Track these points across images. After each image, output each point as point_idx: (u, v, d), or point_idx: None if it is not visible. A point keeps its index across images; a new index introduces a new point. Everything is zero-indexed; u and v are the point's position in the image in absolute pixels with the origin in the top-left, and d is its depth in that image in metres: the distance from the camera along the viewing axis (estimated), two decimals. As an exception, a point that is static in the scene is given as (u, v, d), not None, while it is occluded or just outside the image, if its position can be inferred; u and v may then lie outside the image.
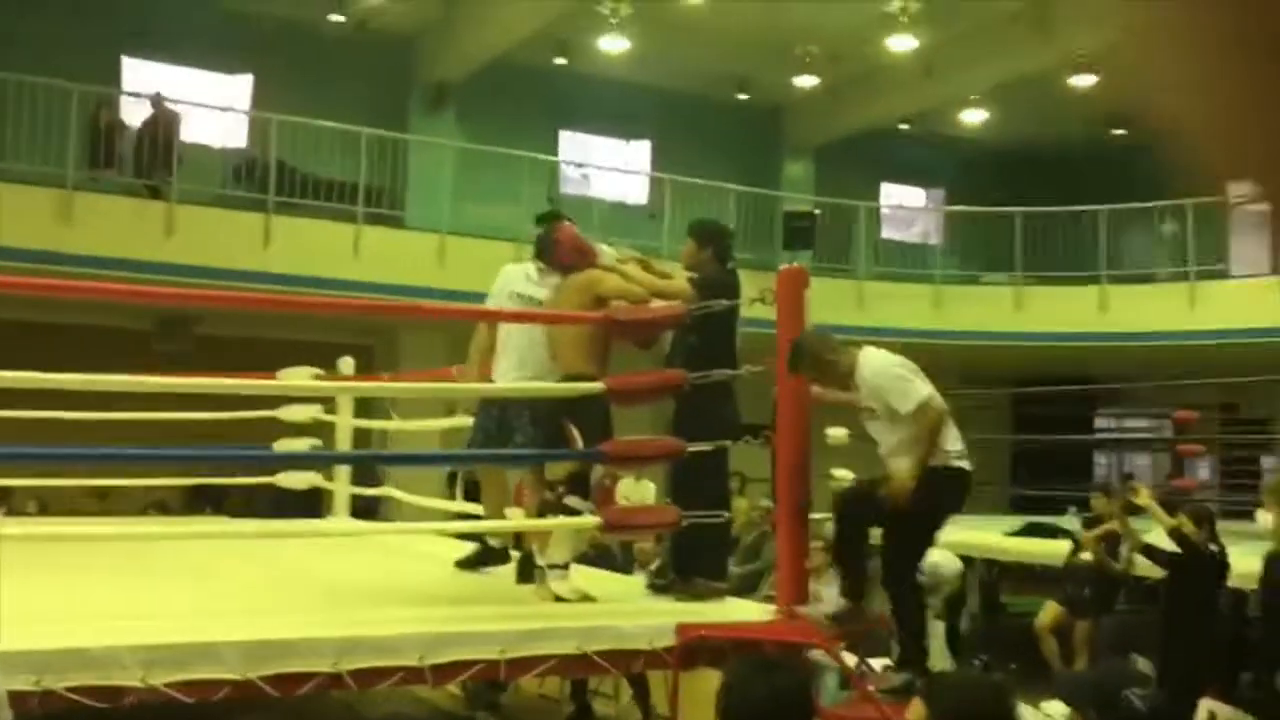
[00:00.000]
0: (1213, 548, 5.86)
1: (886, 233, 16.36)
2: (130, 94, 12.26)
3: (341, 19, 12.90)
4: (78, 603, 4.16)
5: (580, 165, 14.92)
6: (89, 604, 4.12)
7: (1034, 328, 13.39)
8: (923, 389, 4.33)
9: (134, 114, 11.76)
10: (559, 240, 4.93)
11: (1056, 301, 13.50)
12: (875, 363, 4.43)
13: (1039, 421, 12.46)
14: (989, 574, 9.59)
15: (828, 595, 5.07)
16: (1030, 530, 9.52)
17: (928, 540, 4.68)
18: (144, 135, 11.25)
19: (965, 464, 4.41)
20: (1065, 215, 13.60)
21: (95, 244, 9.85)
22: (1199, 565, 5.77)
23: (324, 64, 13.06)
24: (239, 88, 13.51)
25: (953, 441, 4.38)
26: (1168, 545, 5.97)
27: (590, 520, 4.61)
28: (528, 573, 4.92)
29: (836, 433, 8.75)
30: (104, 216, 10.36)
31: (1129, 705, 2.67)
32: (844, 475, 8.99)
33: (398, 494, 7.79)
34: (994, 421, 14.51)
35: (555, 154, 14.78)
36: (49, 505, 8.91)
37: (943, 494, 4.35)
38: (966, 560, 9.67)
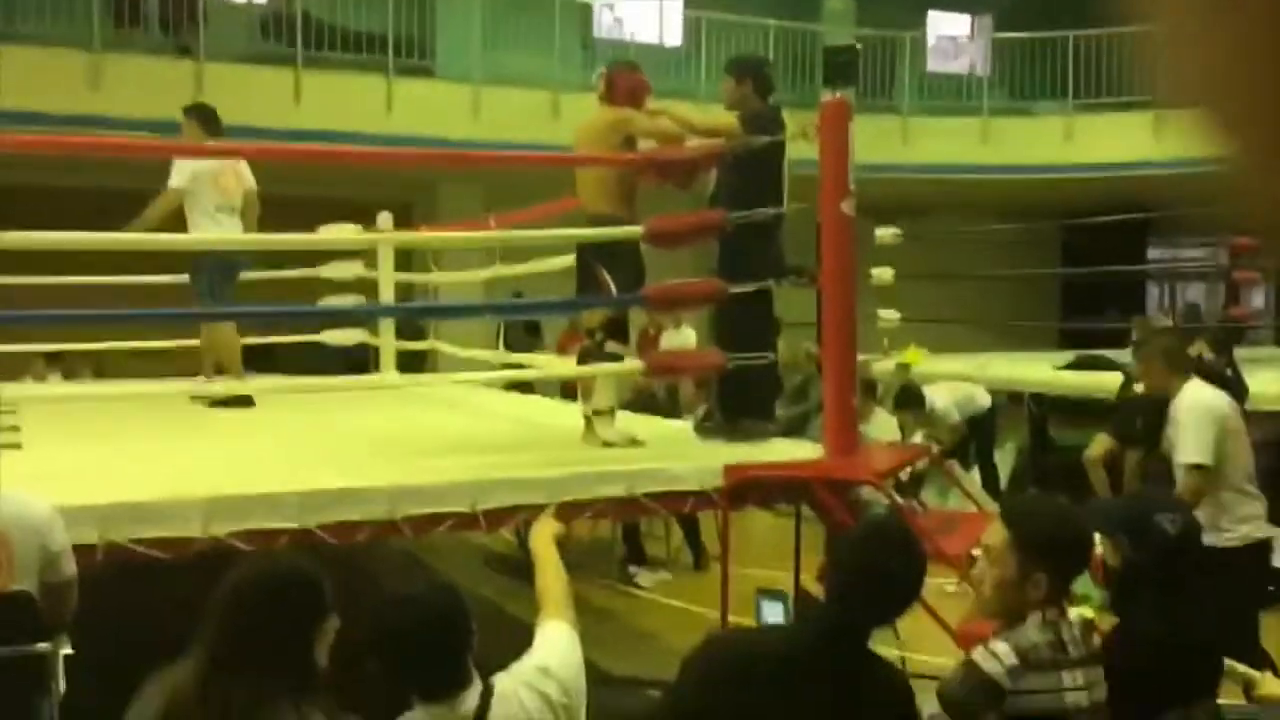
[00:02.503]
0: (1228, 373, 5.83)
1: (932, 65, 15.80)
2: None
3: None
4: (137, 459, 4.24)
5: (611, 8, 14.44)
6: (148, 459, 4.20)
7: (1084, 159, 13.00)
8: (1203, 452, 4.31)
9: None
10: (634, 73, 4.81)
11: (1108, 130, 13.05)
12: (1187, 400, 4.47)
13: (1088, 254, 12.21)
14: (1038, 409, 9.56)
15: None
16: (1079, 364, 9.44)
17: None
18: (167, -9, 11.01)
19: (1237, 540, 4.33)
20: (1121, 37, 13.03)
21: (125, 105, 9.74)
22: None
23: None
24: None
25: (1230, 520, 4.33)
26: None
27: (633, 364, 4.60)
28: None
29: (881, 273, 8.66)
30: (132, 77, 10.22)
31: (1160, 530, 2.66)
32: (890, 315, 8.95)
33: (443, 347, 7.84)
34: (1043, 257, 14.26)
35: (588, -6, 14.30)
36: (104, 369, 9.08)
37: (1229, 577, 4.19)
38: (1015, 396, 9.67)
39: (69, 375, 8.98)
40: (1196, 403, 4.48)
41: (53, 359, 8.92)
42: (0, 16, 10.07)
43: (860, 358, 5.43)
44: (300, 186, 10.98)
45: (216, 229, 5.84)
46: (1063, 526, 2.49)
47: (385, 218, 7.65)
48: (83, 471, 3.87)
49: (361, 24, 11.59)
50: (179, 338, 7.03)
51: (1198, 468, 4.35)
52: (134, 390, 6.05)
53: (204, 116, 6.05)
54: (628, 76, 4.78)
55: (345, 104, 10.93)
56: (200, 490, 3.42)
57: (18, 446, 4.31)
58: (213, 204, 5.86)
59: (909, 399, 7.92)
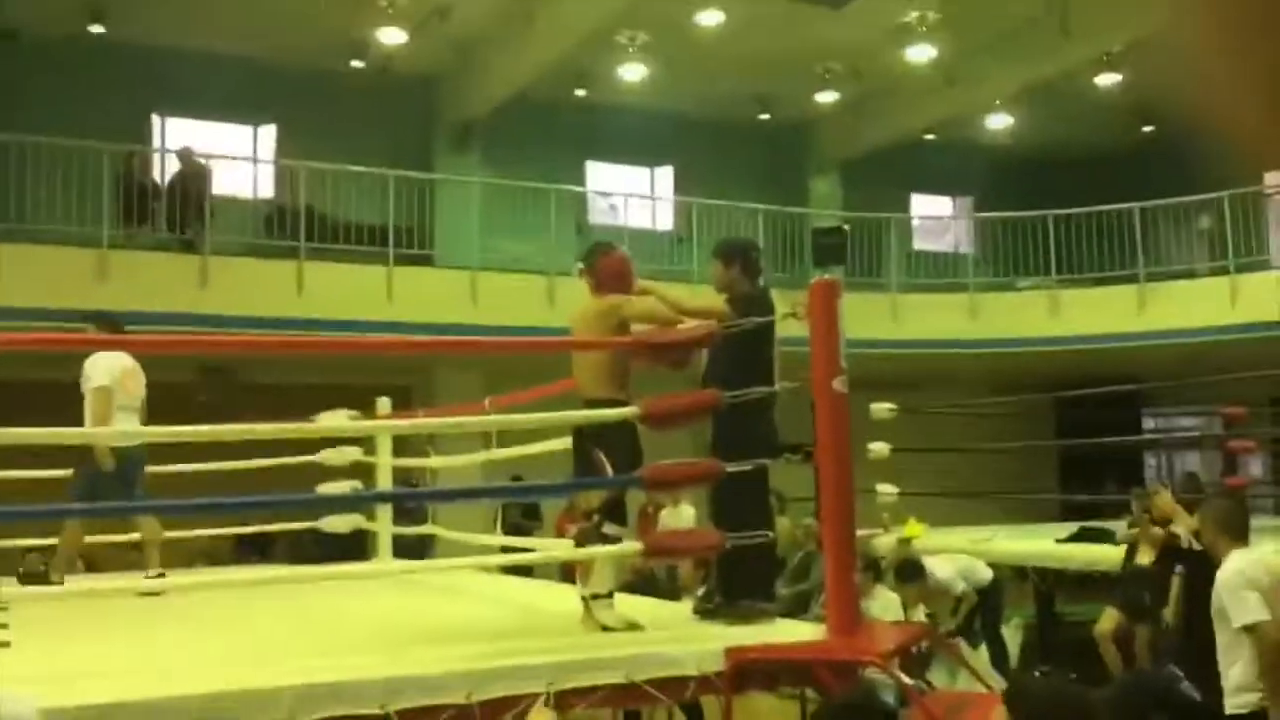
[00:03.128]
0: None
1: (918, 244, 16.27)
2: (159, 150, 12.47)
3: (361, 64, 13.04)
4: (128, 656, 4.16)
5: (606, 195, 14.96)
6: (140, 657, 4.11)
7: (1071, 331, 13.24)
8: (1253, 611, 4.29)
9: (165, 169, 11.94)
10: (612, 255, 4.92)
11: (1093, 303, 13.35)
12: (1231, 565, 4.47)
13: (1084, 425, 12.28)
14: (1043, 583, 9.43)
15: None
16: (1082, 536, 9.36)
17: None
18: (175, 190, 11.41)
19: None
20: (1098, 215, 13.46)
21: (131, 299, 9.96)
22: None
23: (347, 110, 13.21)
24: (265, 138, 13.69)
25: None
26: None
27: (631, 546, 4.56)
28: None
29: (878, 448, 8.69)
30: (139, 272, 10.50)
31: (1187, 698, 2.61)
32: (888, 490, 8.92)
33: (440, 531, 7.79)
34: (1036, 428, 14.33)
35: (583, 185, 14.83)
36: (96, 563, 8.97)
37: None
38: (1020, 571, 9.55)
39: (61, 570, 8.84)
40: (1236, 565, 4.46)
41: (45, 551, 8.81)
42: (12, 216, 10.39)
43: (860, 533, 5.40)
44: (301, 374, 11.15)
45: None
46: (1062, 708, 2.44)
47: (383, 403, 7.72)
48: (71, 671, 3.78)
49: (363, 216, 11.98)
50: (171, 529, 7.00)
51: (1253, 627, 4.28)
52: (122, 585, 5.97)
53: (108, 323, 6.27)
54: (606, 261, 4.88)
55: (347, 293, 11.19)
56: (189, 689, 3.34)
57: (6, 645, 4.23)
58: (118, 403, 6.02)
59: (910, 572, 7.83)
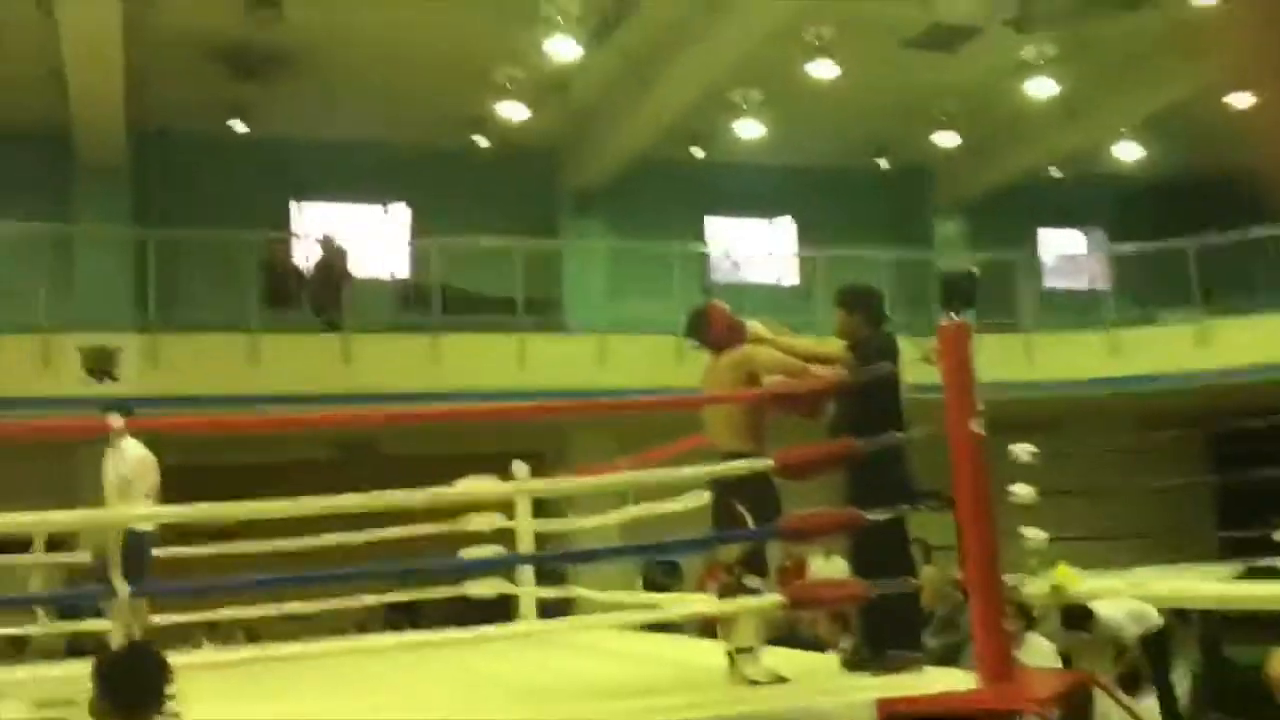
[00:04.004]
0: None
1: (1050, 281, 15.89)
2: (300, 235, 13.09)
3: (485, 141, 13.48)
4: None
5: (728, 255, 15.04)
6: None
7: (1221, 363, 12.68)
8: None
9: (305, 254, 12.54)
10: (711, 317, 4.95)
11: (1243, 331, 12.78)
12: None
13: (1242, 459, 11.70)
14: (1207, 626, 8.99)
15: None
16: (1250, 574, 8.91)
17: None
18: (317, 274, 11.94)
19: None
20: (1241, 241, 12.93)
21: (280, 381, 10.42)
22: None
23: (473, 184, 13.66)
24: (396, 216, 14.24)
25: None
26: None
27: (772, 599, 4.54)
28: None
29: (1023, 490, 8.44)
30: (286, 354, 10.97)
31: None
32: (1035, 535, 8.65)
33: (582, 592, 7.86)
34: (1188, 466, 13.73)
35: (703, 241, 14.96)
36: (257, 633, 9.30)
37: None
38: (1181, 614, 9.11)
39: (223, 642, 9.22)
40: None
41: (210, 627, 9.20)
42: (167, 305, 11.00)
43: (1009, 581, 5.26)
44: (438, 445, 11.44)
45: None
46: None
47: (520, 468, 7.86)
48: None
49: (493, 287, 12.31)
50: (326, 599, 7.26)
51: None
52: (283, 652, 6.19)
53: (126, 411, 6.53)
54: (710, 326, 4.86)
55: (481, 362, 11.48)
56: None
57: (177, 717, 4.42)
58: (141, 491, 6.30)
59: (1076, 619, 7.50)
